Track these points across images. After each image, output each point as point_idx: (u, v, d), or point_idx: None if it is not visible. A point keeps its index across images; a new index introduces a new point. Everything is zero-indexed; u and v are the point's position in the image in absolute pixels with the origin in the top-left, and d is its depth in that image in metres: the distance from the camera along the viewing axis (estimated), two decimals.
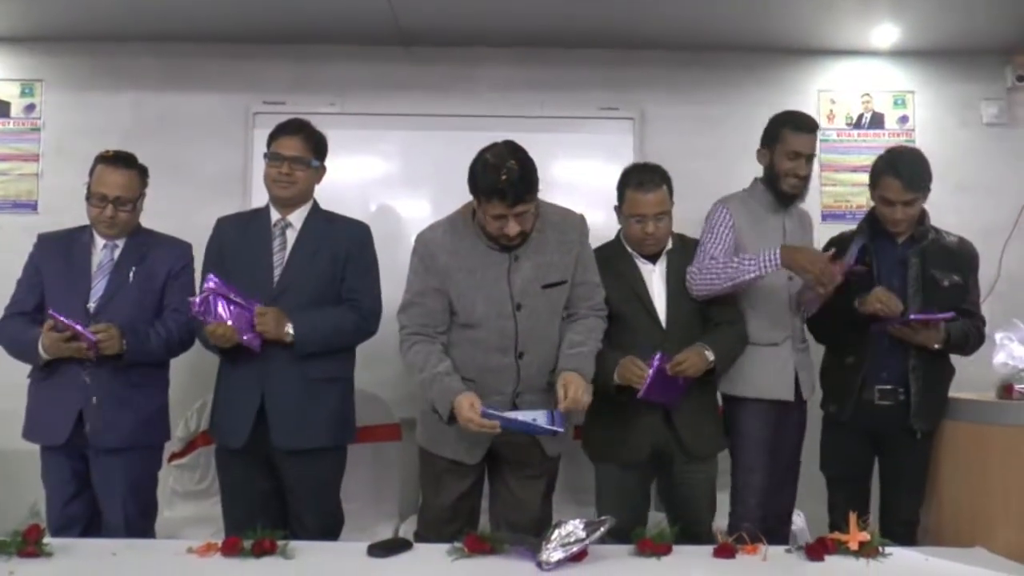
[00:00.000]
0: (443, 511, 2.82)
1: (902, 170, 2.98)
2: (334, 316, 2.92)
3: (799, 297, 3.15)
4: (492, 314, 2.72)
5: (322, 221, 3.01)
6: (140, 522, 2.97)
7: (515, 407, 2.72)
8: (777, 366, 3.08)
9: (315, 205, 3.04)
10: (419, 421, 2.91)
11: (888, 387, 3.00)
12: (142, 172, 3.05)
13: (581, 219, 2.87)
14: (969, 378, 3.15)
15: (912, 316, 2.91)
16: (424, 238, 2.81)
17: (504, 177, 2.58)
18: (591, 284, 2.86)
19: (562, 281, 2.77)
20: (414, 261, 2.80)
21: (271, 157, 2.95)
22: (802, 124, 3.13)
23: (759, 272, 2.93)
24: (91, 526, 2.97)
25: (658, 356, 2.77)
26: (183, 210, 3.55)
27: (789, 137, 3.10)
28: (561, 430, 2.66)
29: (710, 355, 2.87)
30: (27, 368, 3.00)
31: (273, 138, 2.98)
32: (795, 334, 3.15)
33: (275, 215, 2.99)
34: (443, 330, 2.76)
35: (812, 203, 3.74)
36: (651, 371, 2.75)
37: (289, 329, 2.82)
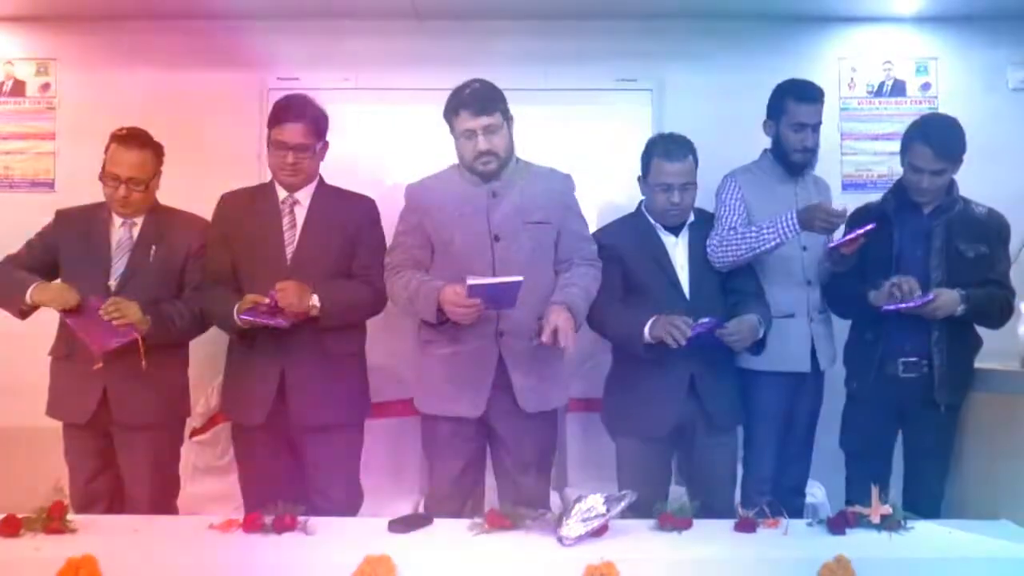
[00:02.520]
0: (445, 487, 2.83)
1: (933, 138, 2.92)
2: (352, 288, 2.93)
3: (824, 258, 3.12)
4: (469, 243, 2.77)
5: (330, 197, 3.00)
6: (163, 498, 2.99)
7: (499, 352, 2.76)
8: (793, 337, 3.06)
9: (320, 180, 3.02)
10: (420, 385, 2.91)
11: (912, 359, 2.96)
12: (157, 151, 3.03)
13: (568, 176, 2.95)
14: (995, 349, 3.11)
15: (890, 307, 2.84)
16: (411, 185, 2.95)
17: (468, 91, 2.79)
18: (580, 235, 2.91)
19: (546, 221, 2.82)
20: (403, 209, 2.92)
21: (275, 145, 2.91)
22: (805, 94, 3.09)
23: (779, 239, 2.92)
24: (114, 503, 3.00)
25: (708, 322, 2.76)
26: (198, 187, 3.51)
27: (793, 108, 3.08)
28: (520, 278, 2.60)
29: (761, 331, 2.85)
30: (48, 345, 3.01)
31: (275, 122, 2.92)
32: (811, 305, 3.12)
33: (282, 192, 2.97)
34: (426, 266, 2.85)
35: (832, 172, 3.69)
36: (695, 330, 2.74)
37: (315, 300, 2.81)
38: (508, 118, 2.84)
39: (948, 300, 2.85)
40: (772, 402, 3.07)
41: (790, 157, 3.10)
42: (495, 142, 2.78)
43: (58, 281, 2.94)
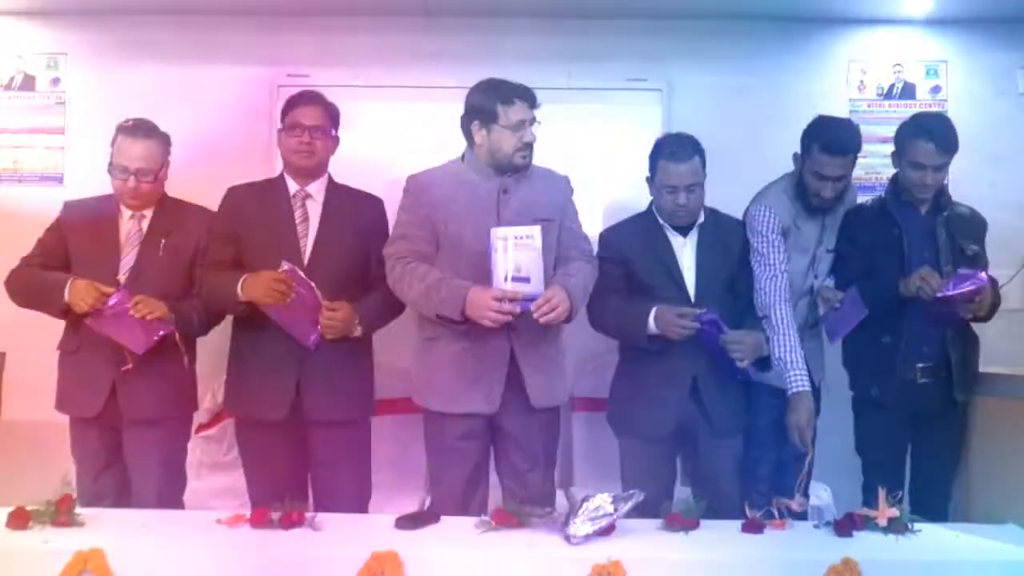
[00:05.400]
0: (455, 487, 2.81)
1: (936, 133, 2.92)
2: (384, 303, 2.92)
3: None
4: (479, 239, 2.74)
5: (342, 195, 3.01)
6: (170, 493, 2.99)
7: (511, 347, 2.76)
8: None
9: (330, 177, 3.03)
10: (427, 384, 2.88)
11: (928, 364, 2.95)
12: (164, 141, 3.03)
13: (566, 176, 2.99)
14: (998, 352, 3.12)
15: (948, 292, 2.80)
16: (415, 176, 2.91)
17: (518, 84, 2.81)
18: (578, 234, 2.93)
19: (550, 219, 2.84)
20: (404, 200, 2.90)
21: (290, 127, 2.93)
22: (833, 146, 2.92)
23: (773, 371, 2.90)
24: (120, 498, 2.99)
25: (709, 314, 2.76)
26: (207, 183, 3.53)
27: (817, 155, 2.95)
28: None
29: (766, 349, 2.85)
30: (56, 339, 3.01)
31: (290, 108, 2.96)
32: (805, 321, 3.11)
33: (293, 186, 2.97)
34: (431, 262, 2.82)
35: None
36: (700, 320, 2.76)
37: (358, 325, 2.85)
38: None
39: (988, 291, 2.85)
40: (762, 411, 3.05)
41: (808, 198, 3.03)
42: (534, 137, 2.82)
43: (85, 282, 2.85)
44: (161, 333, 2.82)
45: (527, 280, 2.63)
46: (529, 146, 2.81)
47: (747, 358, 2.79)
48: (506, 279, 2.62)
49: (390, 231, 2.98)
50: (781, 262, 2.96)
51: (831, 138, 2.95)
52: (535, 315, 2.63)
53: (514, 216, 2.79)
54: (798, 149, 3.06)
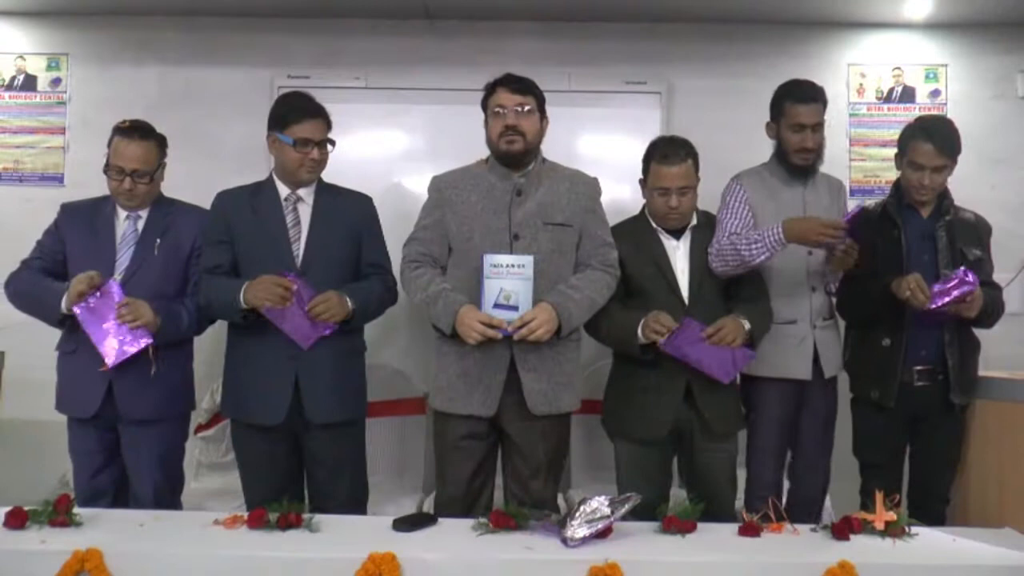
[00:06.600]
0: (458, 489, 2.81)
1: (935, 134, 2.93)
2: (372, 287, 2.94)
3: (823, 268, 3.10)
4: (488, 240, 2.77)
5: (332, 196, 3.00)
6: (168, 493, 2.99)
7: (511, 352, 2.75)
8: (793, 344, 3.04)
9: (318, 177, 3.02)
10: (434, 382, 2.90)
11: (927, 367, 2.95)
12: (160, 142, 3.03)
13: (595, 180, 2.95)
14: (998, 357, 3.11)
15: (937, 304, 2.81)
16: (436, 177, 2.95)
17: (509, 74, 2.86)
18: (601, 240, 2.89)
19: (567, 224, 2.83)
20: (426, 200, 2.93)
21: (300, 143, 2.87)
22: (803, 95, 3.05)
23: (768, 253, 2.89)
24: (118, 498, 2.99)
25: (684, 322, 2.79)
26: (206, 184, 3.52)
27: (790, 110, 3.05)
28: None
29: (746, 324, 2.85)
30: (55, 339, 3.01)
31: (292, 121, 2.87)
32: (815, 311, 3.10)
33: (283, 189, 2.95)
34: (443, 263, 2.86)
35: (841, 178, 3.66)
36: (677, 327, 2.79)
37: (350, 303, 2.84)
38: (543, 113, 2.88)
39: (979, 292, 2.84)
40: (772, 408, 3.05)
41: (790, 159, 3.08)
42: (524, 123, 2.80)
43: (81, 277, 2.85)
44: (138, 346, 2.81)
45: (515, 308, 2.70)
46: (510, 129, 2.79)
47: (737, 339, 2.81)
48: (494, 305, 2.69)
49: (381, 229, 3.01)
50: (735, 229, 2.97)
51: (799, 89, 3.07)
52: (511, 334, 2.67)
53: (526, 219, 2.79)
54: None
